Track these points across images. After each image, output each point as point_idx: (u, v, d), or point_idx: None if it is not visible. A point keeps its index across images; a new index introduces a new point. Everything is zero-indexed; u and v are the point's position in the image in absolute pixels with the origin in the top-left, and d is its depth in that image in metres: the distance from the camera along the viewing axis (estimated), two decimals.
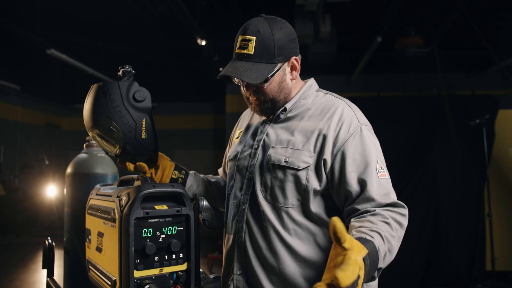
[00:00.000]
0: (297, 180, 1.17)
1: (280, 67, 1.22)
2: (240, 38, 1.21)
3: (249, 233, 1.22)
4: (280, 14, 1.31)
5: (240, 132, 1.42)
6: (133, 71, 1.16)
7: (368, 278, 0.93)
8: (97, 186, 1.29)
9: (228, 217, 1.31)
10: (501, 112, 4.55)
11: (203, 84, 8.94)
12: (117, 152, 1.14)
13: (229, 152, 1.43)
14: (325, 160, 1.16)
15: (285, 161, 1.18)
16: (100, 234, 1.14)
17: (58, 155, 10.01)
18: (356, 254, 0.82)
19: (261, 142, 1.27)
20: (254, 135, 1.33)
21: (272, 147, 1.23)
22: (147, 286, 0.97)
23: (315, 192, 1.17)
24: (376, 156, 1.16)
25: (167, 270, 1.03)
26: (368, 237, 0.97)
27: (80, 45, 6.25)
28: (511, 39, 5.37)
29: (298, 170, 1.16)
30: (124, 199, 1.01)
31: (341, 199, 1.16)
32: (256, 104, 1.27)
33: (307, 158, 1.17)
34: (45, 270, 1.45)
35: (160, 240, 1.02)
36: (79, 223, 1.46)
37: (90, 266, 1.24)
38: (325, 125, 1.19)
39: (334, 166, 1.15)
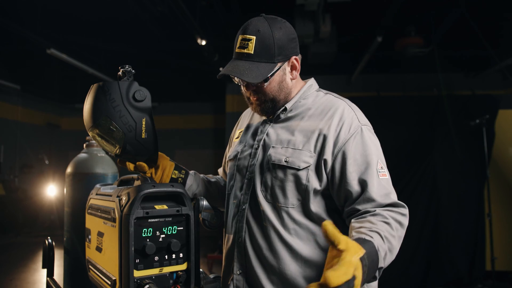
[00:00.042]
0: (297, 180, 1.17)
1: (280, 67, 1.22)
2: (240, 37, 1.21)
3: (249, 233, 1.22)
4: (280, 14, 1.30)
5: (240, 132, 1.42)
6: (133, 70, 1.16)
7: (369, 277, 0.93)
8: (97, 185, 1.29)
9: (228, 217, 1.31)
10: (501, 112, 4.55)
11: (203, 84, 8.94)
12: (117, 152, 1.14)
13: (229, 152, 1.43)
14: (325, 160, 1.16)
15: (285, 161, 1.18)
16: (100, 234, 1.14)
17: (58, 155, 10.02)
18: (352, 254, 0.83)
19: (262, 142, 1.27)
20: (254, 135, 1.33)
21: (273, 147, 1.23)
22: (147, 286, 0.97)
23: (316, 191, 1.17)
24: (377, 156, 1.16)
25: (167, 270, 1.03)
26: (367, 237, 0.97)
27: (80, 45, 6.24)
28: (511, 39, 5.37)
29: (298, 170, 1.16)
30: (124, 198, 1.01)
31: (341, 199, 1.16)
32: (257, 104, 1.27)
33: (307, 158, 1.17)
34: (45, 270, 1.45)
35: (160, 240, 1.02)
36: (79, 222, 1.46)
37: (90, 266, 1.24)
38: (326, 125, 1.19)
39: (335, 166, 1.15)
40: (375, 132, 1.25)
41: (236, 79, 1.23)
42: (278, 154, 1.20)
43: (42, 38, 5.47)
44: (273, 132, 1.27)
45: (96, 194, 1.23)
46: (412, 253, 4.24)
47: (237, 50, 1.21)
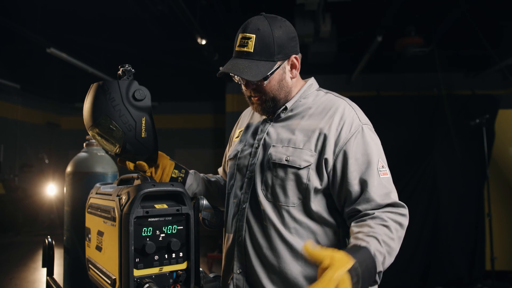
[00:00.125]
0: (298, 179, 1.17)
1: (280, 65, 1.21)
2: (240, 36, 1.21)
3: (250, 232, 1.22)
4: (280, 13, 1.30)
5: (240, 131, 1.42)
6: (133, 70, 1.16)
7: (368, 284, 0.96)
8: (97, 185, 1.29)
9: (228, 216, 1.31)
10: (501, 112, 4.55)
11: (203, 84, 8.94)
12: (117, 151, 1.14)
13: (229, 151, 1.43)
14: (326, 160, 1.16)
15: (286, 160, 1.18)
16: (100, 233, 1.14)
17: (58, 154, 10.02)
18: (335, 270, 0.86)
19: (262, 141, 1.27)
20: (255, 134, 1.33)
21: (273, 146, 1.23)
22: (147, 285, 0.97)
23: (316, 190, 1.17)
24: (378, 155, 1.17)
25: (167, 269, 1.03)
26: (363, 243, 0.99)
27: (80, 44, 6.24)
28: (511, 39, 5.37)
29: (299, 169, 1.16)
30: (124, 198, 1.01)
31: (341, 199, 1.16)
32: (258, 103, 1.27)
33: (308, 157, 1.17)
34: (45, 269, 1.45)
35: (160, 239, 1.02)
36: (79, 222, 1.45)
37: (90, 265, 1.24)
38: (326, 124, 1.19)
39: (336, 166, 1.16)
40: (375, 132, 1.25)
41: (236, 78, 1.23)
42: (278, 153, 1.20)
43: (42, 37, 5.47)
44: (274, 131, 1.27)
45: (96, 193, 1.23)
46: (412, 253, 4.25)
47: (237, 48, 1.21)
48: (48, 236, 1.47)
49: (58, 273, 1.51)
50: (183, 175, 1.34)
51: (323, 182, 1.16)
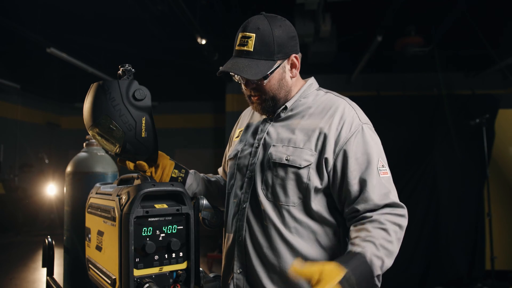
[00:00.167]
0: (298, 178, 1.17)
1: (280, 65, 1.21)
2: (240, 35, 1.21)
3: (250, 232, 1.22)
4: (280, 13, 1.30)
5: (240, 131, 1.42)
6: (133, 69, 1.16)
7: None
8: (97, 185, 1.29)
9: (228, 216, 1.31)
10: (501, 111, 4.55)
11: (203, 83, 8.94)
12: (117, 151, 1.14)
13: (229, 151, 1.43)
14: (326, 159, 1.16)
15: (286, 159, 1.18)
16: (100, 233, 1.14)
17: (58, 154, 10.01)
18: (325, 284, 0.89)
19: (262, 141, 1.27)
20: (255, 133, 1.33)
21: (273, 145, 1.23)
22: (147, 284, 0.97)
23: (316, 190, 1.17)
24: (378, 155, 1.17)
25: (167, 269, 1.03)
26: (358, 249, 1.01)
27: (80, 44, 6.24)
28: (511, 38, 5.37)
29: (299, 168, 1.16)
30: (124, 198, 1.01)
31: (341, 198, 1.16)
32: (258, 103, 1.27)
33: (308, 157, 1.17)
34: (45, 269, 1.45)
35: (160, 239, 1.02)
36: (79, 221, 1.45)
37: (90, 265, 1.24)
38: (326, 123, 1.19)
39: (336, 165, 1.16)
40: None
41: (236, 77, 1.23)
42: (279, 152, 1.20)
43: (42, 37, 5.47)
44: (274, 130, 1.27)
45: (96, 193, 1.23)
46: (412, 252, 4.24)
47: (237, 47, 1.21)
48: (48, 236, 1.47)
49: (58, 273, 1.51)
50: (183, 175, 1.33)
51: (323, 181, 1.16)
